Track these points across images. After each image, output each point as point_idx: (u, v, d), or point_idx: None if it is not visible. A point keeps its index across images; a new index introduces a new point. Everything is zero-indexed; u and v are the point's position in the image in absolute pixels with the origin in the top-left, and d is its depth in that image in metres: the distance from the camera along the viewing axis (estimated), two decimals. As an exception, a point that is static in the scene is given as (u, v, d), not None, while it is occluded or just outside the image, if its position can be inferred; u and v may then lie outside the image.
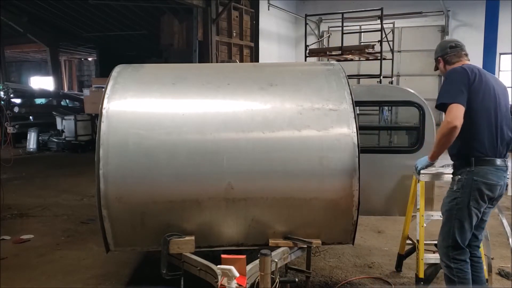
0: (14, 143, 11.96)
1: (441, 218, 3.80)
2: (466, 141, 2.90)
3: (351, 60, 12.22)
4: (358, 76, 13.67)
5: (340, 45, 11.31)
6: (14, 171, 8.89)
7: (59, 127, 12.77)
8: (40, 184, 8.29)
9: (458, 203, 2.96)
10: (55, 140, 12.71)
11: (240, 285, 2.74)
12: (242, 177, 3.20)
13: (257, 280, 2.88)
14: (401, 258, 4.19)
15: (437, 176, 3.66)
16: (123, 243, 3.34)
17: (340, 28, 11.49)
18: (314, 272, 4.04)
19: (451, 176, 3.13)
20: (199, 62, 10.04)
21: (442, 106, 2.90)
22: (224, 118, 3.29)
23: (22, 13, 14.57)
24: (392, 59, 12.02)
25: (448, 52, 3.16)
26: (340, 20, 11.52)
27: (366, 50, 11.22)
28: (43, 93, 16.03)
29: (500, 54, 12.85)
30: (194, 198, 3.20)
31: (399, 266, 4.19)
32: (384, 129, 8.28)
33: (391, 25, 13.17)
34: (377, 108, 8.54)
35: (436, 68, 3.37)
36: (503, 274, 4.10)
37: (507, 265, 4.25)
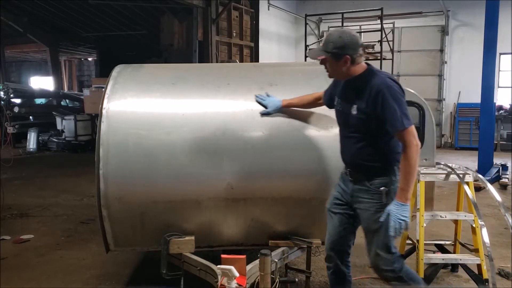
0: (14, 143, 11.94)
1: (442, 218, 3.83)
2: (390, 152, 2.72)
3: (351, 60, 12.21)
4: (358, 76, 13.64)
5: (340, 45, 11.29)
6: (14, 171, 8.88)
7: (59, 127, 12.76)
8: (40, 184, 8.28)
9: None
10: (55, 140, 12.70)
11: (240, 285, 2.74)
12: (242, 177, 3.20)
13: (257, 280, 2.88)
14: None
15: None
16: (123, 243, 3.34)
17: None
18: (314, 272, 4.04)
19: (368, 189, 2.73)
20: (199, 62, 10.04)
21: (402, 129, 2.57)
22: (224, 118, 3.29)
23: (22, 13, 14.55)
24: (392, 59, 12.03)
25: (359, 52, 2.68)
26: (340, 20, 11.53)
27: (366, 50, 11.24)
28: (43, 93, 16.01)
29: (500, 54, 12.84)
30: (194, 198, 3.20)
31: (399, 266, 4.19)
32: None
33: (391, 25, 13.18)
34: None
35: (323, 63, 2.78)
36: (503, 274, 4.10)
37: (507, 265, 4.26)
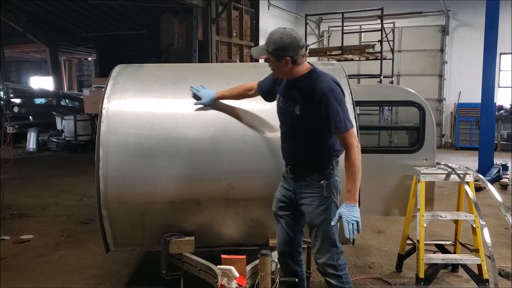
0: (13, 143, 11.93)
1: (443, 219, 3.82)
2: (328, 149, 2.76)
3: (351, 60, 12.22)
4: (358, 76, 13.65)
5: (340, 45, 11.30)
6: (14, 171, 8.88)
7: (58, 127, 12.76)
8: (40, 184, 8.28)
9: (331, 208, 2.75)
10: (55, 140, 12.70)
11: (240, 285, 2.73)
12: (242, 177, 3.19)
13: (257, 280, 2.87)
14: (401, 258, 4.18)
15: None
16: (122, 243, 3.33)
17: (340, 28, 11.49)
18: (314, 272, 4.01)
19: (309, 184, 2.77)
20: (199, 62, 10.03)
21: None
22: (224, 118, 3.29)
23: (22, 13, 14.56)
24: (392, 59, 12.01)
25: (300, 53, 2.68)
26: (340, 20, 11.52)
27: (366, 50, 11.21)
28: (42, 93, 16.01)
29: (501, 54, 12.83)
30: (194, 198, 3.20)
31: (399, 266, 4.19)
32: (384, 129, 8.29)
33: (391, 25, 13.16)
34: (377, 108, 8.55)
35: (267, 61, 2.75)
36: (503, 274, 4.09)
37: (507, 265, 4.25)
